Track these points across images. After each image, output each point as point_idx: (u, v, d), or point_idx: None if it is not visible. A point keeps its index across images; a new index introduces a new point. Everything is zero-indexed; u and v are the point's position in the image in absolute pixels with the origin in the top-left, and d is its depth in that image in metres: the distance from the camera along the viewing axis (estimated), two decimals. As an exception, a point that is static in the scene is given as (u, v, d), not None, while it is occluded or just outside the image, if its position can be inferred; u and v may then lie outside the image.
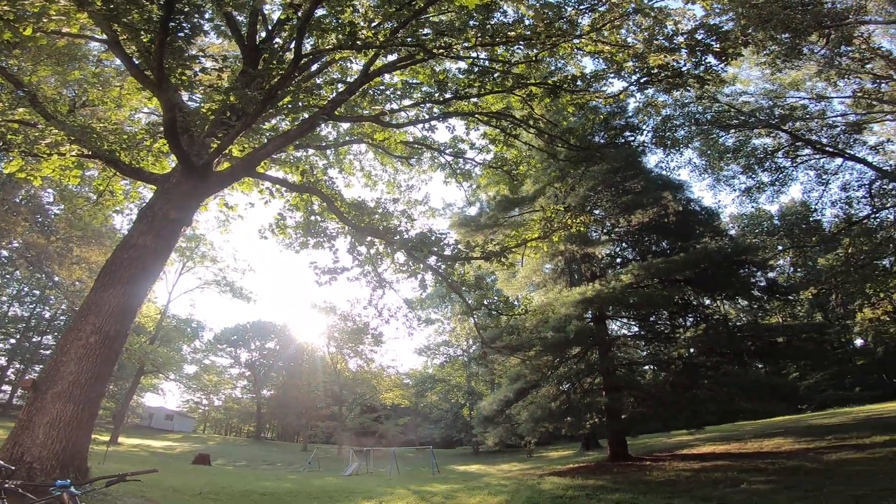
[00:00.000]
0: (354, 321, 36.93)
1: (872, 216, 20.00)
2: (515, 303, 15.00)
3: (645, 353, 17.38)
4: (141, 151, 9.03)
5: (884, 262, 19.95)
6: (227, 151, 8.83)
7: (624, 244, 16.14)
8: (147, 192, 10.40)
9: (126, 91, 9.65)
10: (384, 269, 10.80)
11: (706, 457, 11.85)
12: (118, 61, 8.66)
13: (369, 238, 10.00)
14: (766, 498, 6.34)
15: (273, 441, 52.86)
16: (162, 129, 7.68)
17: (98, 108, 10.01)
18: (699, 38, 8.29)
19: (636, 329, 16.20)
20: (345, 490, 12.22)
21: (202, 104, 8.49)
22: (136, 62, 6.64)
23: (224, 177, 8.49)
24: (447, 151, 11.21)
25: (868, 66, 17.40)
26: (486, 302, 13.62)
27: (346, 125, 11.23)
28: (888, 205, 19.64)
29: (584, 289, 12.84)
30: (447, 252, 10.06)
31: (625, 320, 16.52)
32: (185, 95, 8.58)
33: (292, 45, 7.91)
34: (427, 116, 10.20)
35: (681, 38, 8.29)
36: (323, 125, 10.70)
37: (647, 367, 17.00)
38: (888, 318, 24.48)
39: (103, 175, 9.75)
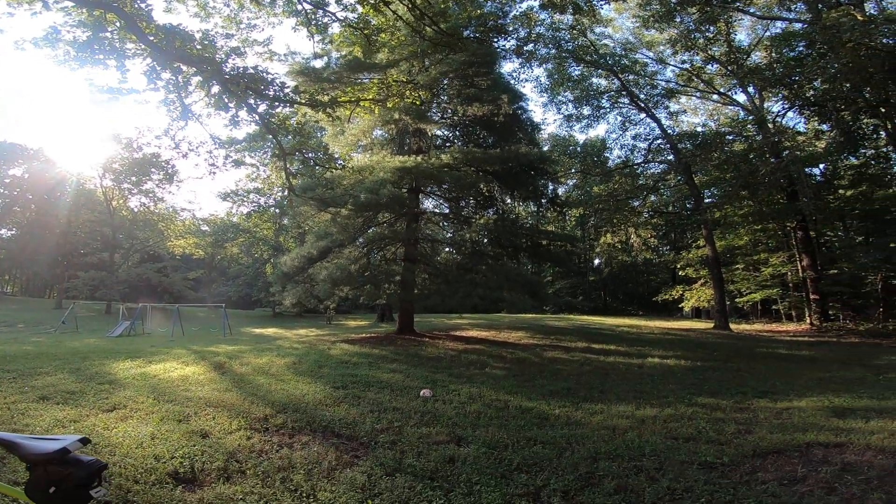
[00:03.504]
0: (142, 151, 30.28)
1: (643, 165, 24.97)
2: (337, 159, 14.47)
3: (449, 235, 19.04)
4: None
5: (635, 203, 25.55)
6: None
7: (457, 131, 16.55)
8: None
9: None
10: (194, 100, 9.06)
11: (470, 340, 13.73)
12: None
13: (177, 64, 8.25)
14: (498, 381, 7.83)
15: (14, 297, 42.30)
16: None
17: None
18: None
19: (447, 210, 17.41)
20: (105, 351, 10.44)
21: None
22: None
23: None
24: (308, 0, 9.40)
25: (713, 48, 20.19)
26: (304, 151, 12.69)
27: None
28: (657, 160, 24.68)
29: (405, 159, 12.92)
30: (270, 92, 8.90)
31: (438, 199, 17.50)
32: None
33: None
34: (297, -43, 8.28)
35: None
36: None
37: (448, 249, 18.74)
38: (619, 247, 31.85)
39: None
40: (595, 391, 7.17)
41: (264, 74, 8.64)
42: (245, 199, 37.24)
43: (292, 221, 21.58)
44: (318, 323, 26.95)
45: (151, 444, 4.07)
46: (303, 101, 9.85)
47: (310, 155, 14.01)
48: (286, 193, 30.53)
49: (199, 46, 8.35)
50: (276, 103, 9.41)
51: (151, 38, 7.81)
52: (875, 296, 22.03)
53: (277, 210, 36.23)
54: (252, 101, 9.16)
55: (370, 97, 10.46)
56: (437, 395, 6.56)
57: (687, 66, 21.87)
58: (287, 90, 9.24)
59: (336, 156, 14.78)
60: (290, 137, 11.29)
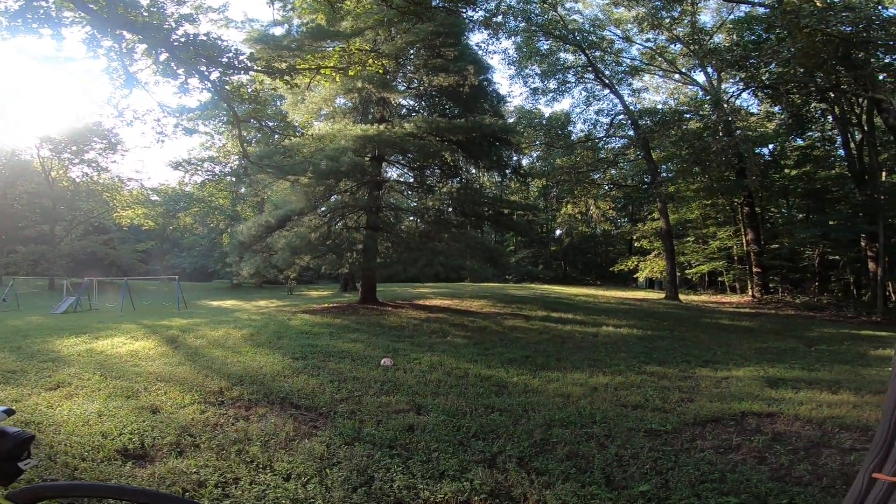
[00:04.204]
0: (82, 120, 28.01)
1: (604, 139, 25.50)
2: (297, 127, 13.97)
3: (413, 204, 18.98)
4: None
5: (596, 175, 26.20)
6: None
7: (422, 101, 16.23)
8: None
9: None
10: (140, 68, 8.61)
11: (433, 308, 13.78)
12: None
13: (120, 32, 7.73)
14: (458, 350, 7.99)
15: (-52, 276, 38.89)
16: None
17: None
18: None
19: (411, 179, 17.28)
20: (49, 328, 9.87)
21: None
22: None
23: None
24: (267, -35, 8.96)
25: (678, 28, 20.46)
26: (259, 118, 12.19)
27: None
28: (618, 135, 25.21)
29: (367, 127, 12.67)
30: (224, 59, 8.50)
31: (403, 168, 17.35)
32: None
33: None
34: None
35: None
36: None
37: (411, 218, 18.62)
38: (579, 218, 32.65)
39: None
40: (552, 359, 7.42)
41: (218, 41, 8.23)
42: (199, 167, 35.08)
43: (249, 190, 20.76)
44: (279, 294, 26.33)
45: (98, 422, 3.92)
46: (258, 68, 9.48)
47: (269, 124, 13.49)
48: (243, 162, 28.98)
49: (145, 14, 7.83)
50: (230, 70, 9.02)
51: (92, 5, 7.22)
52: (811, 270, 23.73)
53: (234, 179, 34.47)
54: (203, 69, 8.74)
55: (331, 65, 10.16)
56: (397, 364, 6.62)
57: (651, 45, 22.34)
58: (242, 57, 8.90)
59: (296, 124, 14.32)
60: (246, 106, 10.80)
